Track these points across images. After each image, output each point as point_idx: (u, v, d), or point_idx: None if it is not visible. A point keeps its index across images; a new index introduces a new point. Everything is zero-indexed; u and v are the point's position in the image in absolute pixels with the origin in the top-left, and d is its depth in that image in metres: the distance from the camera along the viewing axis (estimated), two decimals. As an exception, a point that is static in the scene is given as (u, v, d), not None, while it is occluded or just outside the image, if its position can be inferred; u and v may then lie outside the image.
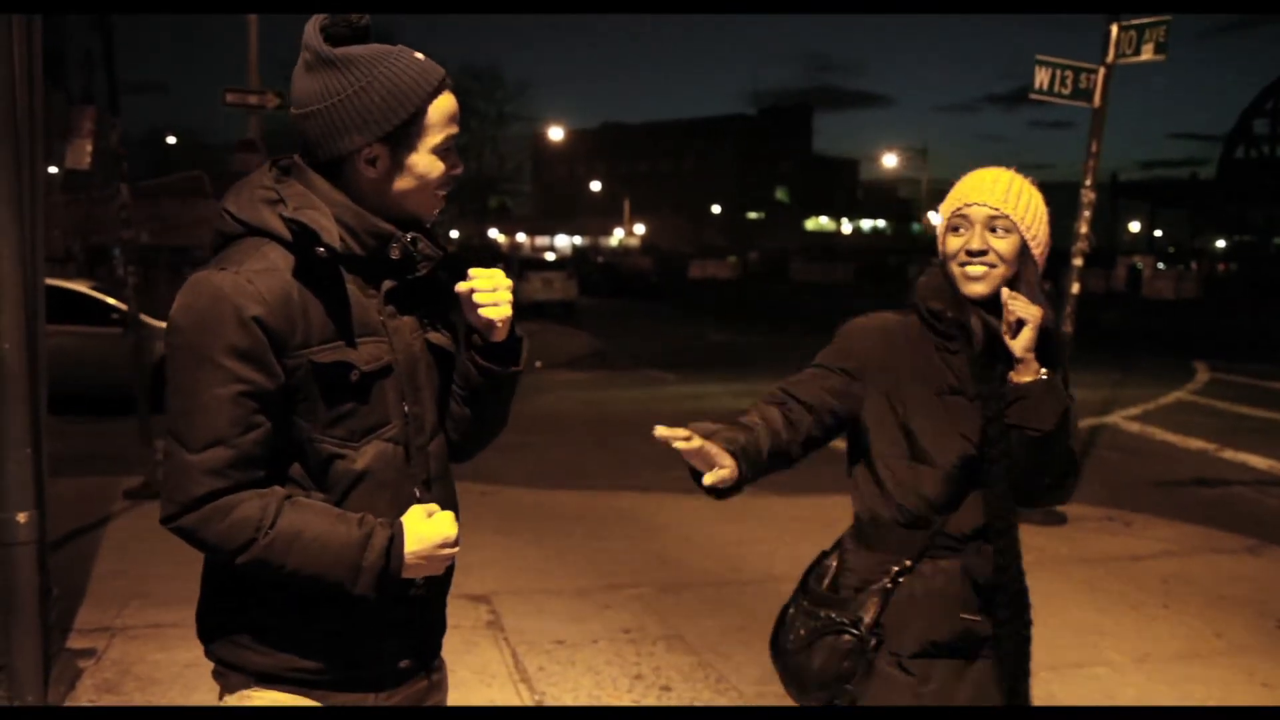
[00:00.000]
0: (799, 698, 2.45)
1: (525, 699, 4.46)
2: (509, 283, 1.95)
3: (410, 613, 1.98)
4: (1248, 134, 72.74)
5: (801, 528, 7.00)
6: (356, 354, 1.85)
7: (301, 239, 1.80)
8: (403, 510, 1.89)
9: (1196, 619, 5.61)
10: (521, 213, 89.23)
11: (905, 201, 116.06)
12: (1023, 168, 2.40)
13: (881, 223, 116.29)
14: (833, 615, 2.37)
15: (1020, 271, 2.33)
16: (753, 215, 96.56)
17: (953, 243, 2.35)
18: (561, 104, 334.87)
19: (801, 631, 2.42)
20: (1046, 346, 2.31)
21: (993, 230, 2.31)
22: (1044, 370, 2.27)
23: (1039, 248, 2.35)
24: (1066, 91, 7.60)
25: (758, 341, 23.09)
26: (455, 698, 4.42)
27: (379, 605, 1.87)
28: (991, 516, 2.33)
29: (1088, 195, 7.64)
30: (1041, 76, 7.57)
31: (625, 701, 4.46)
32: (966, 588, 2.33)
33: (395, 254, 1.89)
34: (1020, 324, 2.23)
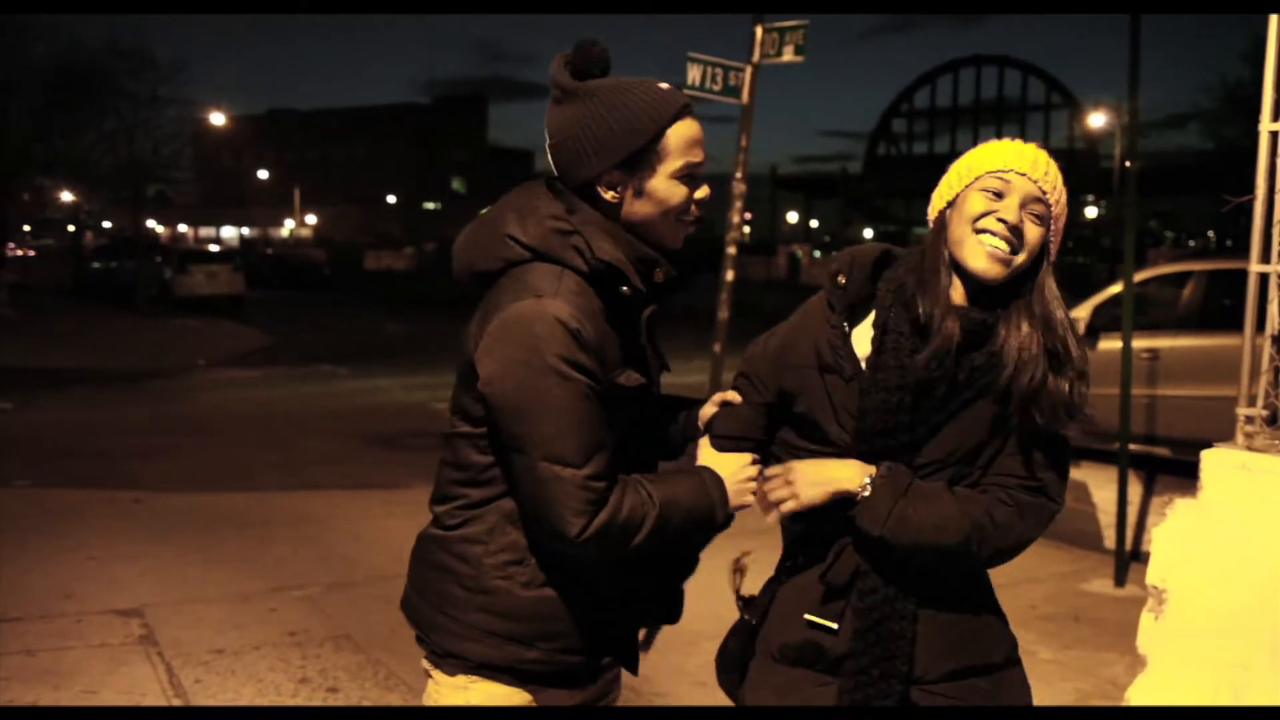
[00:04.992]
0: (721, 681, 2.33)
1: (180, 714, 4.23)
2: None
3: (643, 598, 2.12)
4: (888, 133, 78.98)
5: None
6: (639, 378, 1.99)
7: (608, 277, 1.89)
8: None
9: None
10: (184, 202, 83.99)
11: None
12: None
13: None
14: (748, 600, 2.26)
15: (1036, 273, 1.96)
16: (429, 205, 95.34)
17: (977, 202, 1.93)
18: (225, 87, 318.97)
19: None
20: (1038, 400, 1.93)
21: (1031, 214, 1.93)
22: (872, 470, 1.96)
23: (1056, 247, 1.98)
24: (717, 88, 7.98)
25: (434, 332, 22.87)
26: (100, 720, 4.17)
27: (623, 588, 2.03)
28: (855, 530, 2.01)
29: (739, 187, 8.04)
30: (694, 73, 7.91)
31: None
32: (820, 592, 2.07)
33: (659, 278, 1.96)
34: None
